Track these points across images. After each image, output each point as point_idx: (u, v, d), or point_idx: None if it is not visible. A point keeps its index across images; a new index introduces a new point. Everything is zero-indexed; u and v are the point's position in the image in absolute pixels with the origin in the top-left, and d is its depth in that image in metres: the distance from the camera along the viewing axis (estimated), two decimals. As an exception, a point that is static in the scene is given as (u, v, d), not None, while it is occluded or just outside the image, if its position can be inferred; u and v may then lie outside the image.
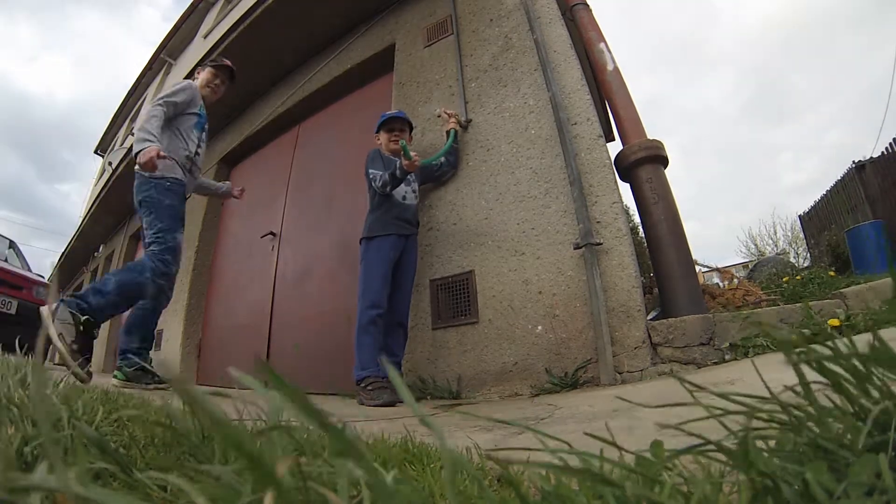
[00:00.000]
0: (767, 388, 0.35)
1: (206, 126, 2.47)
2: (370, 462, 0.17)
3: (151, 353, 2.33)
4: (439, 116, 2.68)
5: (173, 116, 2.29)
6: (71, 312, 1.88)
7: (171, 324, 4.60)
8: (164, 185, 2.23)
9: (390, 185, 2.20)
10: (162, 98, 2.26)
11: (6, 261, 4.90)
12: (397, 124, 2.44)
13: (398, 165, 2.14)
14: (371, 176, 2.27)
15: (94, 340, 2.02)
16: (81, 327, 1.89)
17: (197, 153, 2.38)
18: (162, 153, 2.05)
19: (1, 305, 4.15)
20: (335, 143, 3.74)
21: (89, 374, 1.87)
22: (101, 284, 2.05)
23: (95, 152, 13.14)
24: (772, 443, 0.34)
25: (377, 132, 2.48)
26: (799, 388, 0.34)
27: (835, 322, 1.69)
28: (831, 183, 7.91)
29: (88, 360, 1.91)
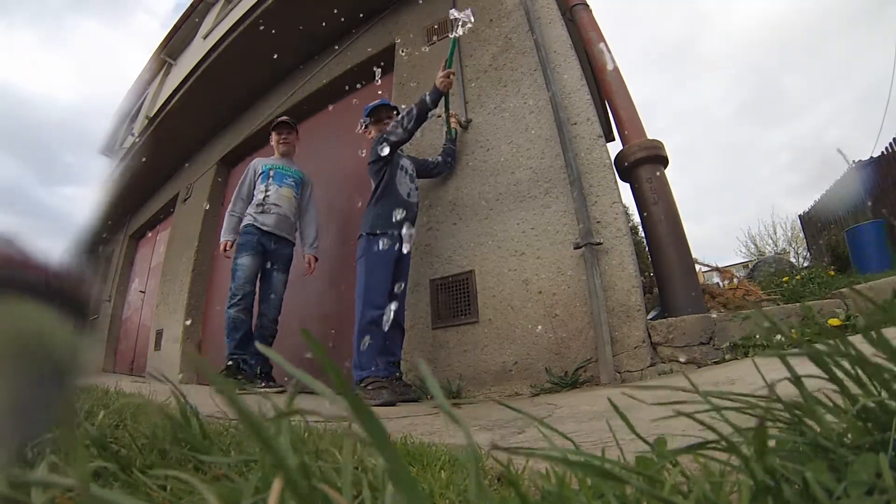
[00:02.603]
0: (770, 387, 0.35)
1: (273, 171, 2.93)
2: (403, 463, 0.17)
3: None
4: (439, 116, 2.67)
5: (248, 191, 2.94)
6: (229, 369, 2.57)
7: (171, 324, 4.60)
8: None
9: (416, 115, 2.15)
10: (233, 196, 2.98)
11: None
12: (384, 112, 2.41)
13: (430, 91, 2.13)
14: (391, 127, 2.21)
15: (244, 368, 2.61)
16: (225, 371, 2.54)
17: (266, 195, 2.86)
18: (229, 244, 2.82)
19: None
20: (335, 143, 3.73)
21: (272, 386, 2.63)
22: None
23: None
24: (772, 442, 0.34)
25: (366, 127, 2.44)
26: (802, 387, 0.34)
27: (835, 322, 1.70)
28: (831, 183, 7.92)
29: (268, 379, 2.67)
